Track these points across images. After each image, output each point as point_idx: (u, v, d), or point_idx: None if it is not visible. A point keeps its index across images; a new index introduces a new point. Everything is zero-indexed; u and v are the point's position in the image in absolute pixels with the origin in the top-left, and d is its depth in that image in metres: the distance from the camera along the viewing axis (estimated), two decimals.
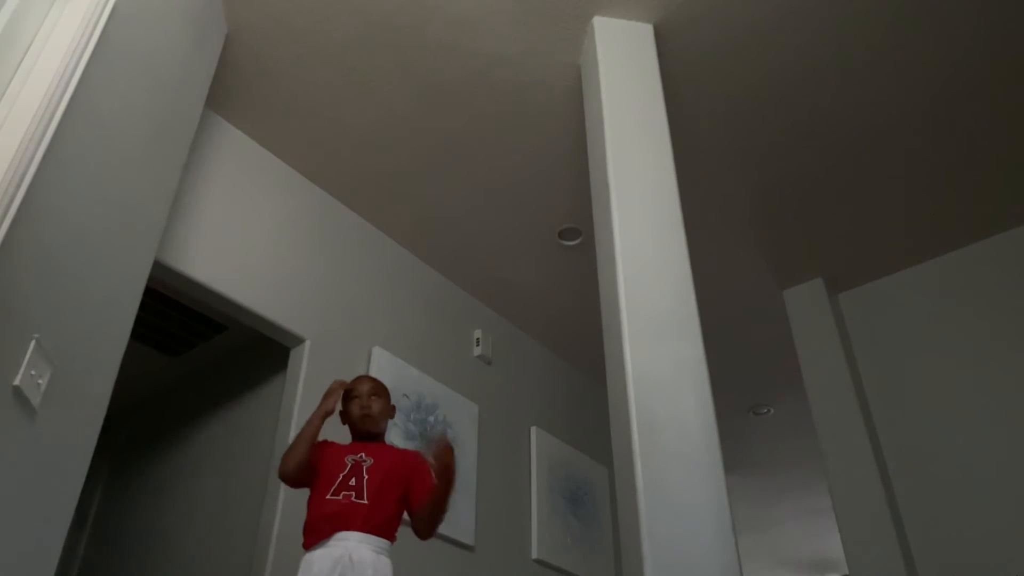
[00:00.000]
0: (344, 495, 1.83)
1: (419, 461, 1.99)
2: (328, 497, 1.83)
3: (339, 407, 2.06)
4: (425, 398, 3.17)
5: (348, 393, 2.05)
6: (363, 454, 1.93)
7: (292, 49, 2.63)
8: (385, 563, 1.79)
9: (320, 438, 1.98)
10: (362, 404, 2.01)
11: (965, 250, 3.40)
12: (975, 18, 2.50)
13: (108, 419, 1.84)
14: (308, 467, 1.91)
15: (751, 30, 2.54)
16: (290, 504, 2.49)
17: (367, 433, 2.00)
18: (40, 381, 1.43)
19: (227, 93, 2.76)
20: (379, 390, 2.06)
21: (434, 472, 1.85)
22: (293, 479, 1.92)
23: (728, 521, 1.67)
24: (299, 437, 1.94)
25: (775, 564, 7.18)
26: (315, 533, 1.82)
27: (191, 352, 3.52)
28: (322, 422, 1.95)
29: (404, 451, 2.07)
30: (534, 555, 3.39)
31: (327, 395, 2.00)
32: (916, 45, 2.59)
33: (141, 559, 3.17)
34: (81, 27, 1.55)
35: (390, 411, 2.08)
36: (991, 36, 2.55)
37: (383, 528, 1.84)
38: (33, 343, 1.40)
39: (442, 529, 2.94)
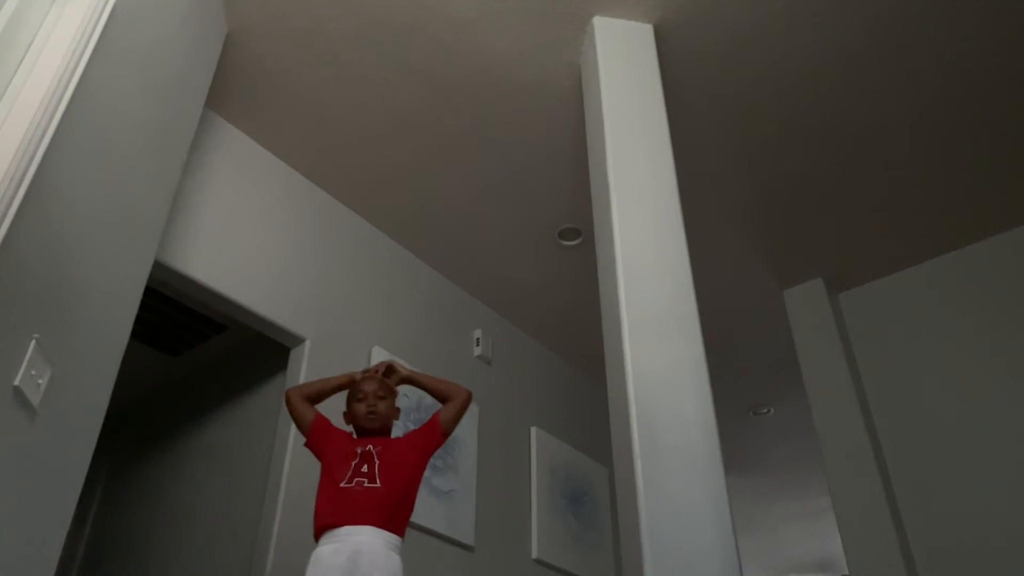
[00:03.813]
0: (357, 482, 1.86)
1: (416, 429, 2.12)
2: (342, 485, 1.86)
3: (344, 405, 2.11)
4: (425, 398, 3.16)
5: (354, 393, 2.07)
6: (371, 446, 1.96)
7: (292, 49, 2.63)
8: (396, 561, 1.80)
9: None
10: (368, 404, 2.03)
11: (965, 250, 3.40)
12: (974, 18, 2.50)
13: (108, 419, 1.84)
14: (316, 427, 2.04)
15: (751, 30, 2.54)
16: (290, 504, 2.49)
17: (372, 431, 2.02)
18: (40, 381, 1.43)
19: (227, 93, 2.76)
20: (385, 391, 2.08)
21: (408, 382, 2.13)
22: (297, 401, 2.07)
23: (728, 521, 1.67)
24: (320, 380, 2.15)
25: (775, 564, 7.18)
26: (328, 518, 1.83)
27: (191, 352, 3.52)
28: (340, 386, 2.12)
29: (404, 435, 2.09)
30: (534, 555, 3.39)
31: (352, 374, 2.16)
32: (916, 44, 2.59)
33: (141, 559, 3.17)
34: (81, 27, 1.55)
35: (395, 413, 2.10)
36: (989, 36, 2.55)
37: (395, 520, 1.85)
38: (33, 343, 1.40)
39: (442, 529, 2.96)
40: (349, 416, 2.07)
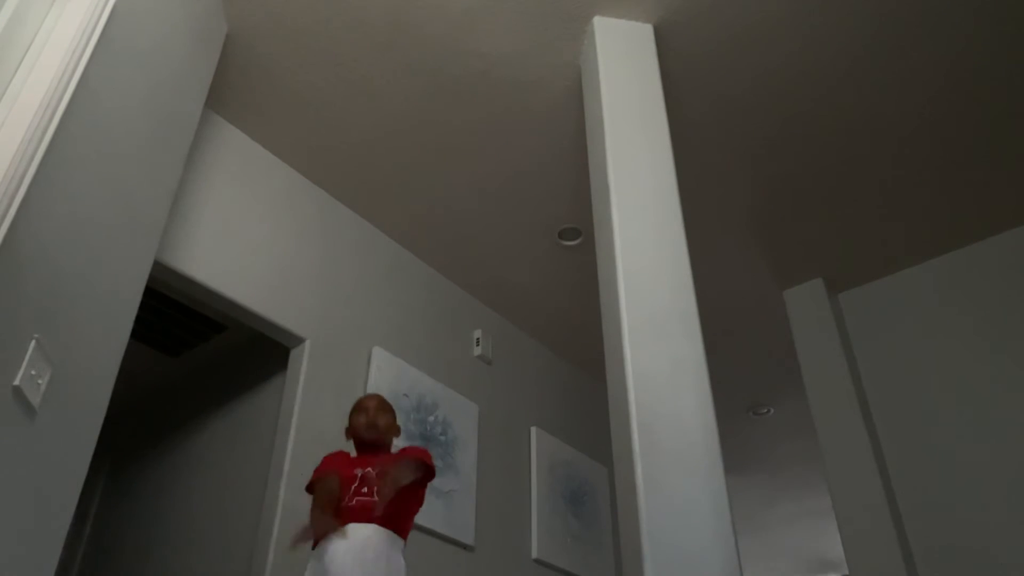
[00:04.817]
0: (357, 500, 1.86)
1: (408, 450, 2.02)
2: (343, 505, 1.86)
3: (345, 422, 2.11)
4: (425, 398, 3.17)
5: (355, 407, 2.08)
6: (370, 468, 1.95)
7: (292, 49, 2.63)
8: (400, 561, 1.80)
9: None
10: (368, 417, 2.04)
11: (965, 250, 3.40)
12: (974, 18, 2.50)
13: (108, 419, 1.84)
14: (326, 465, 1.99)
15: (751, 30, 2.54)
16: (290, 503, 2.49)
17: (371, 445, 2.01)
18: (40, 381, 1.43)
19: (227, 93, 2.76)
20: (385, 406, 2.09)
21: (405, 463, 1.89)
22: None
23: (728, 521, 1.67)
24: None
25: (775, 564, 7.18)
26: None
27: (191, 352, 3.52)
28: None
29: (403, 449, 2.08)
30: (534, 555, 3.39)
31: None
32: (916, 44, 2.59)
33: (141, 559, 3.17)
34: (81, 27, 1.55)
35: (395, 429, 2.10)
36: (989, 36, 2.55)
37: (396, 521, 1.86)
38: (33, 343, 1.40)
39: (442, 529, 2.96)
40: (350, 431, 2.07)
